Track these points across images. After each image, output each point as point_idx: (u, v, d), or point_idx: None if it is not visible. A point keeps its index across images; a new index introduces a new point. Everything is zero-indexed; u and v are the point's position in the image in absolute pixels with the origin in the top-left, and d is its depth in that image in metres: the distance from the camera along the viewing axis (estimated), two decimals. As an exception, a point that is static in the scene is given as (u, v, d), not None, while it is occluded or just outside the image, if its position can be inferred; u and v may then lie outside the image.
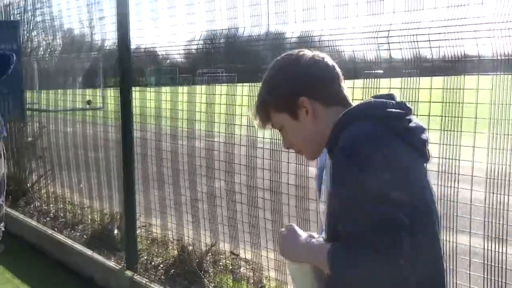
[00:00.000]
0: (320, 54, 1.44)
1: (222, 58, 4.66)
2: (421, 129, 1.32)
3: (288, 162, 3.24)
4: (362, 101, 1.40)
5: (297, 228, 1.45)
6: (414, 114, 1.36)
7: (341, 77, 1.44)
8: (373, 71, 2.84)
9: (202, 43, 4.08)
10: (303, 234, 1.42)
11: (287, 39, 3.71)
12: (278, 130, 1.48)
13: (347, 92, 1.44)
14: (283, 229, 1.49)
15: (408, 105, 1.35)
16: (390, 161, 1.20)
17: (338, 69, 1.44)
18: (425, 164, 1.34)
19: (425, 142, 1.32)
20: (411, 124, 1.30)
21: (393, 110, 1.29)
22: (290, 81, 1.40)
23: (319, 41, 3.26)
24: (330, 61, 1.44)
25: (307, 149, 1.47)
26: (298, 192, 3.19)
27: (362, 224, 1.17)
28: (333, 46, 3.27)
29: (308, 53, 1.44)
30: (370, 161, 1.19)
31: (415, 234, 1.15)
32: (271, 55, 4.35)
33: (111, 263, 4.12)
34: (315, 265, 1.37)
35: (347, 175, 1.22)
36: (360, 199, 1.18)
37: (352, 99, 1.45)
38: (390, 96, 1.36)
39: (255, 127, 1.57)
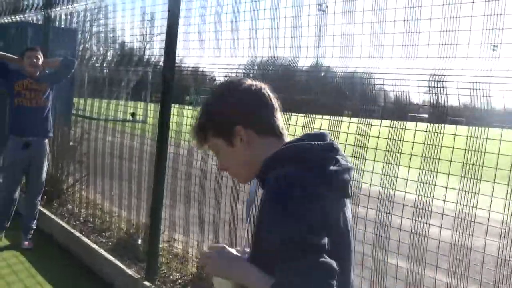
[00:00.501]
0: (259, 84, 1.52)
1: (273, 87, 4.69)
2: (345, 170, 1.42)
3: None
4: (292, 142, 1.45)
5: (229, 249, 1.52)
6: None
7: (277, 108, 1.52)
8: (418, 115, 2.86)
9: (243, 68, 4.18)
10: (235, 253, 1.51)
11: (330, 72, 3.75)
12: (213, 153, 1.56)
13: (282, 123, 1.52)
14: (210, 247, 1.58)
15: (336, 145, 1.44)
16: (311, 204, 1.29)
17: (274, 100, 1.52)
18: (346, 200, 1.45)
19: (347, 182, 1.42)
20: (336, 167, 1.39)
21: (319, 154, 1.38)
22: (228, 110, 1.48)
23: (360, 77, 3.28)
24: (267, 91, 1.51)
25: (240, 174, 1.56)
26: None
27: (290, 268, 1.23)
28: (372, 84, 3.27)
29: (247, 82, 1.51)
30: (292, 204, 1.28)
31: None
32: (312, 86, 4.40)
33: (132, 272, 4.21)
34: (238, 284, 1.42)
35: (271, 216, 1.31)
36: (284, 241, 1.26)
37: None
38: (321, 136, 1.45)
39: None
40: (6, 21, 7.58)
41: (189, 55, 4.41)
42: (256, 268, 1.36)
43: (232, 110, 1.47)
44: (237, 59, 4.00)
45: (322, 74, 3.84)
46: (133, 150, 5.29)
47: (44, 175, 5.34)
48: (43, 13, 6.56)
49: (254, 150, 1.47)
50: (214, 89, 1.56)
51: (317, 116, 3.51)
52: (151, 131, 4.88)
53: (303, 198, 1.29)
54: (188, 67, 4.65)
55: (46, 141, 5.31)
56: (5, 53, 5.74)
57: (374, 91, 3.31)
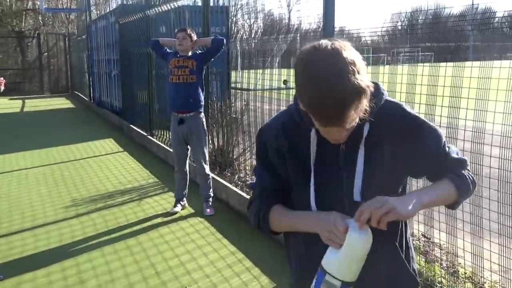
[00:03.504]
0: None
1: (420, 37, 4.57)
2: None
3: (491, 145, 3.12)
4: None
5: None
6: None
7: None
8: None
9: (400, 23, 4.06)
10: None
11: (495, 17, 3.52)
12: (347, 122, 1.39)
13: None
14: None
15: None
16: None
17: None
18: None
19: None
20: None
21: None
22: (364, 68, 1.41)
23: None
24: None
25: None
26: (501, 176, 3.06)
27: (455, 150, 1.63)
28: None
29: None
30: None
31: None
32: (475, 33, 4.16)
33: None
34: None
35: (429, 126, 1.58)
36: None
37: None
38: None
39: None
40: (166, 8, 8.15)
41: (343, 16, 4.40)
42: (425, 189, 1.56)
43: (364, 65, 1.39)
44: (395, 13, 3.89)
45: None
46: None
47: (205, 147, 5.68)
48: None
49: None
50: (327, 52, 1.34)
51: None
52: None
53: None
54: (344, 28, 4.64)
55: (200, 116, 5.62)
56: (165, 39, 6.24)
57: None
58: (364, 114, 1.40)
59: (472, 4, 3.82)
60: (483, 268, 3.35)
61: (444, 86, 3.42)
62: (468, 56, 5.42)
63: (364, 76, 1.34)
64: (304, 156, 1.57)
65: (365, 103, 1.35)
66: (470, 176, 1.61)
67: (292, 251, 1.73)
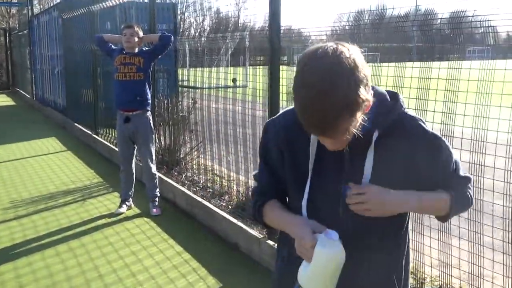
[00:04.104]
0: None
1: (366, 38, 4.65)
2: None
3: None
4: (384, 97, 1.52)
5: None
6: None
7: None
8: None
9: (346, 23, 4.12)
10: None
11: (437, 18, 3.63)
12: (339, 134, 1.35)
13: None
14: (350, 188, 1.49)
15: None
16: None
17: None
18: None
19: None
20: None
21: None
22: (367, 79, 1.32)
23: (470, 22, 3.17)
24: None
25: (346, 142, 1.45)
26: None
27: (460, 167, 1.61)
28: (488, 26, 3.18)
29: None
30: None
31: None
32: (418, 34, 4.28)
33: (254, 232, 4.41)
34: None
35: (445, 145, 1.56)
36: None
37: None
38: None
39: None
40: (111, 4, 7.96)
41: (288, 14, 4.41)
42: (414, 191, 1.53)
43: (369, 77, 1.32)
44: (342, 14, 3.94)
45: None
46: (237, 115, 5.42)
47: (151, 146, 5.59)
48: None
49: None
50: (333, 56, 1.27)
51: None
52: (259, 95, 4.96)
53: None
54: (290, 27, 4.66)
55: (147, 114, 5.51)
56: (111, 35, 6.09)
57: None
58: (375, 123, 1.42)
59: (416, 6, 3.91)
60: (424, 263, 3.44)
61: (386, 86, 3.49)
62: (412, 57, 5.56)
63: (364, 86, 1.27)
64: (303, 158, 1.54)
65: (359, 117, 1.30)
66: (469, 193, 1.62)
67: (283, 235, 1.68)
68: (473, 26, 3.25)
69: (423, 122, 1.53)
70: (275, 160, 1.63)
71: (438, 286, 3.42)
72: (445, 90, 3.04)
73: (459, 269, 3.24)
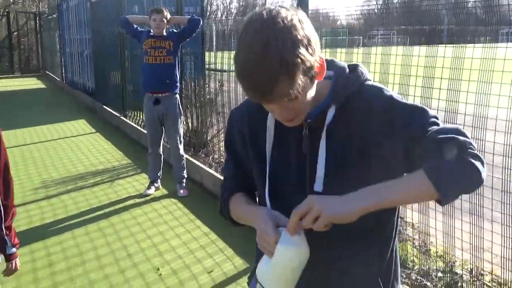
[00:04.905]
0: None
1: (395, 20, 4.57)
2: None
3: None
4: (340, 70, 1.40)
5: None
6: None
7: None
8: None
9: (375, 4, 4.05)
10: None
11: (469, 1, 3.54)
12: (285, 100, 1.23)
13: None
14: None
15: None
16: None
17: None
18: None
19: None
20: None
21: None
22: (313, 40, 1.23)
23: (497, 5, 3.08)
24: None
25: (306, 111, 1.32)
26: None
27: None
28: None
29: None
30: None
31: None
32: (449, 15, 4.18)
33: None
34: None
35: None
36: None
37: None
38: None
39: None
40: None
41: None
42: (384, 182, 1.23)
43: (314, 39, 1.22)
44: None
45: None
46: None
47: (179, 129, 5.62)
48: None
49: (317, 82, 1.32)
50: (275, 19, 1.18)
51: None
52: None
53: None
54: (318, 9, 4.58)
55: (176, 96, 5.55)
56: (135, 16, 6.10)
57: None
58: (332, 98, 1.32)
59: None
60: (455, 246, 3.38)
61: (417, 66, 3.41)
62: (443, 40, 5.44)
63: (304, 47, 1.18)
64: (264, 143, 1.44)
65: (301, 80, 1.20)
66: (467, 155, 1.17)
67: None
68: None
69: (386, 90, 1.34)
70: (241, 148, 1.53)
71: (469, 269, 3.36)
72: (479, 70, 2.95)
73: (491, 253, 3.17)
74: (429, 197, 1.19)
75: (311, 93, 1.28)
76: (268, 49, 1.16)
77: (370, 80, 1.39)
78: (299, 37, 1.18)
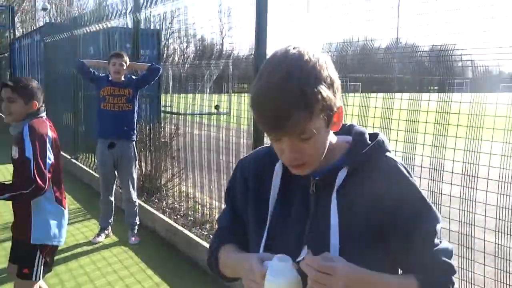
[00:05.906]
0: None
1: (350, 68, 4.67)
2: None
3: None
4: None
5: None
6: None
7: None
8: None
9: (332, 52, 4.14)
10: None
11: (418, 51, 3.67)
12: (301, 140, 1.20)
13: None
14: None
15: None
16: None
17: None
18: None
19: None
20: None
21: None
22: (335, 83, 1.21)
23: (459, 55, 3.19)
24: None
25: (315, 164, 1.27)
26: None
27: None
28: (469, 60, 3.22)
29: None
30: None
31: None
32: (400, 66, 4.32)
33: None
34: None
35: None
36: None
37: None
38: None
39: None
40: (95, 28, 7.90)
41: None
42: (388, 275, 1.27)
43: (337, 84, 1.21)
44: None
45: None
46: (220, 142, 5.35)
47: (133, 173, 5.49)
48: (132, 17, 6.74)
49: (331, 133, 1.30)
50: (301, 57, 1.16)
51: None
52: (242, 122, 4.91)
53: None
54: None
55: (131, 144, 5.44)
56: (92, 60, 6.01)
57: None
58: (345, 160, 1.28)
59: (397, 38, 3.94)
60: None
61: (374, 117, 3.46)
62: (393, 88, 5.59)
63: (327, 86, 1.15)
64: (267, 193, 1.36)
65: (318, 118, 1.16)
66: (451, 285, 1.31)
67: None
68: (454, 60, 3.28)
69: (403, 168, 1.32)
70: (240, 198, 1.46)
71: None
72: (434, 123, 3.01)
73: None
74: None
75: (325, 141, 1.25)
76: (290, 79, 1.13)
77: (390, 152, 1.35)
78: (323, 75, 1.16)
